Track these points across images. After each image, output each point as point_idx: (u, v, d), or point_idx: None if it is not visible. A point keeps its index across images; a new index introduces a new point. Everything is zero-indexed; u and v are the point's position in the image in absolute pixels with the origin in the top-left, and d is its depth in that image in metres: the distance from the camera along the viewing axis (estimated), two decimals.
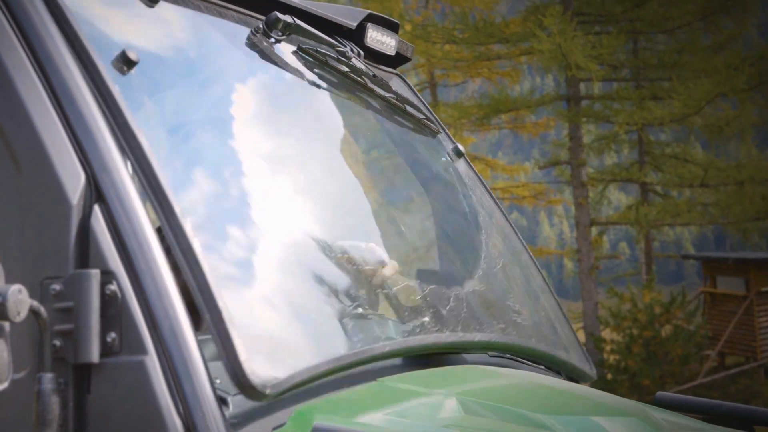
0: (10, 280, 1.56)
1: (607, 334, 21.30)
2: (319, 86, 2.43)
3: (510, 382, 2.26)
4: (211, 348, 1.93)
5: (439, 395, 1.94)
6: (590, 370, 2.73)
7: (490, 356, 2.50)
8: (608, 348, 20.38)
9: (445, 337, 2.22)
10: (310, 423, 1.65)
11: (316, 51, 2.40)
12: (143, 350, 1.59)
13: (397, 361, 2.16)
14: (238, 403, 1.66)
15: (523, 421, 1.88)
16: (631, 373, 19.48)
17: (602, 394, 2.29)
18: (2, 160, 1.69)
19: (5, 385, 1.48)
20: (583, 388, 2.36)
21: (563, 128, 23.30)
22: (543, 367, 2.64)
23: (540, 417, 1.89)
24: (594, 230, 22.00)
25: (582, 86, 21.66)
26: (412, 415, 1.83)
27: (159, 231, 1.68)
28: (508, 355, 2.56)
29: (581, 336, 19.91)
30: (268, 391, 1.61)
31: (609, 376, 19.51)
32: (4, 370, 1.48)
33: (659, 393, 2.36)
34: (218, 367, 1.66)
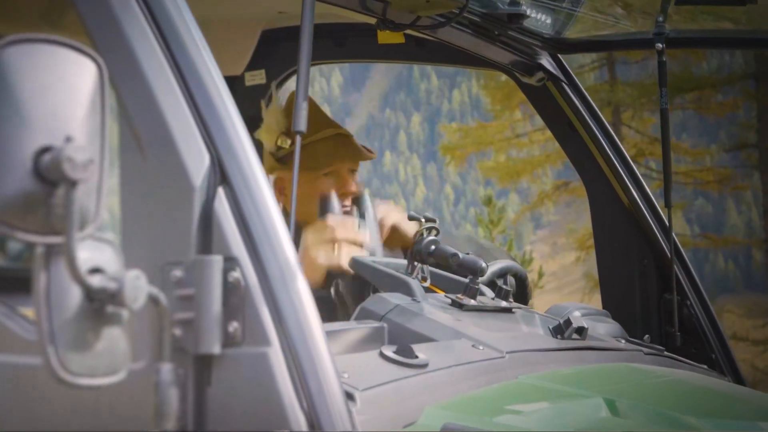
0: (130, 265, 1.57)
1: None
2: None
3: (665, 383, 2.19)
4: (338, 340, 1.93)
5: (585, 395, 1.89)
6: None
7: (645, 354, 2.45)
8: None
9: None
10: (441, 422, 1.63)
11: None
12: (266, 341, 1.58)
13: (539, 356, 2.12)
14: (366, 398, 1.64)
15: (677, 425, 1.81)
16: None
17: None
18: (125, 140, 1.70)
19: (123, 375, 1.48)
20: (749, 391, 2.27)
21: (752, 109, 22.62)
22: (705, 367, 2.58)
23: (697, 422, 1.83)
24: None
25: None
26: (552, 416, 1.79)
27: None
28: (665, 353, 2.51)
29: (767, 331, 19.34)
30: None
31: None
32: (122, 359, 1.48)
33: None
34: (345, 360, 1.65)
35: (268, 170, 3.27)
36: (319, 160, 3.15)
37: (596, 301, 3.81)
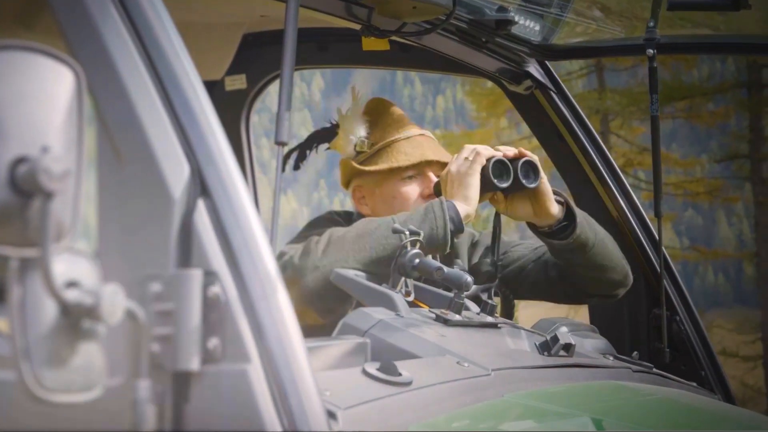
0: (107, 279, 1.57)
1: None
2: None
3: (653, 402, 2.20)
4: (320, 356, 1.93)
5: (572, 415, 1.90)
6: None
7: (634, 371, 2.46)
8: None
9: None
10: None
11: None
12: (246, 358, 1.58)
13: (525, 373, 2.13)
14: (348, 417, 1.64)
15: None
16: None
17: (762, 417, 2.21)
18: (103, 149, 1.70)
19: (99, 391, 1.48)
20: (738, 410, 2.29)
21: (743, 118, 22.67)
22: (695, 384, 2.58)
23: None
24: None
25: (765, 72, 21.06)
26: None
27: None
28: (654, 371, 2.52)
29: (758, 347, 19.38)
30: None
31: None
32: (98, 375, 1.48)
33: None
34: (327, 377, 1.65)
35: (347, 179, 3.29)
36: (402, 159, 3.15)
37: (582, 315, 3.82)
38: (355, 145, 3.20)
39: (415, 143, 3.16)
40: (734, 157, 21.96)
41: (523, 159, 2.92)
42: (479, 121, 22.14)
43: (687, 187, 22.58)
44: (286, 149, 3.13)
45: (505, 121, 21.28)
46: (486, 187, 2.89)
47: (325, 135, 3.37)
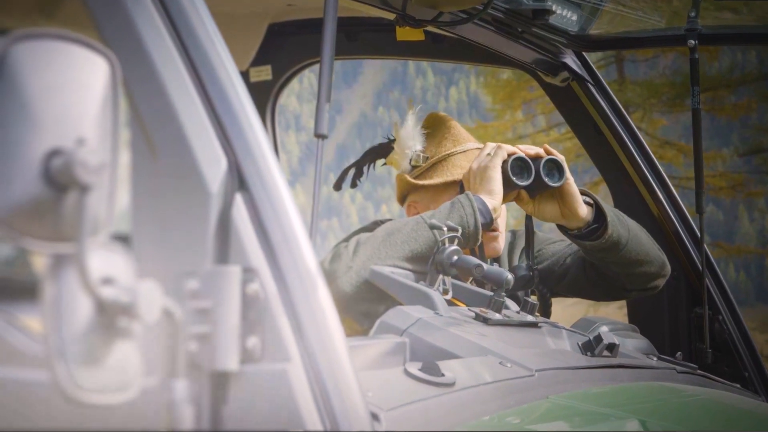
0: (143, 275, 1.55)
1: None
2: None
3: (700, 403, 2.18)
4: (358, 356, 1.91)
5: (620, 417, 1.88)
6: None
7: (678, 372, 2.44)
8: None
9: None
10: None
11: None
12: (287, 357, 1.56)
13: (569, 374, 2.11)
14: (392, 419, 1.62)
15: None
16: None
17: None
18: (137, 143, 1.68)
19: (134, 392, 1.47)
20: None
21: (767, 111, 22.66)
22: (738, 386, 2.57)
23: None
24: None
25: None
26: None
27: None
28: (698, 372, 2.50)
29: None
30: None
31: None
32: (133, 376, 1.46)
33: None
34: (368, 377, 1.63)
35: (402, 194, 3.28)
36: (458, 173, 3.13)
37: (602, 313, 3.80)
38: (411, 160, 3.19)
39: (472, 157, 3.12)
40: (757, 150, 21.96)
41: (547, 157, 2.90)
42: (494, 113, 22.12)
43: (708, 182, 22.54)
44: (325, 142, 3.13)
45: (521, 113, 21.28)
46: (506, 184, 2.87)
47: (381, 150, 3.36)
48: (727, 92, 21.66)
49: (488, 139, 3.04)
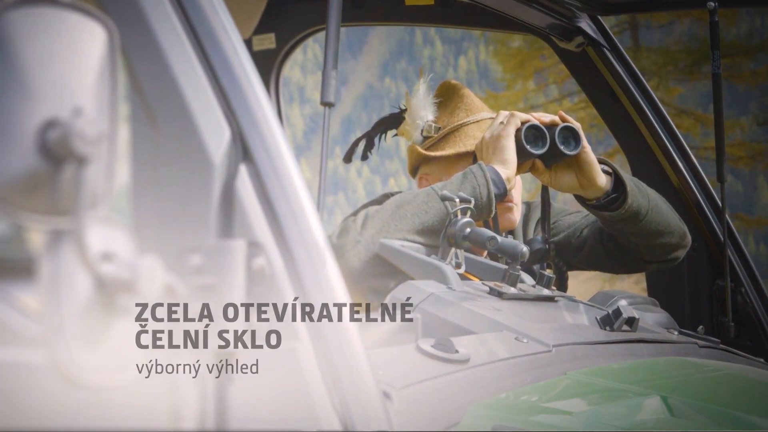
0: (143, 251, 1.53)
1: None
2: None
3: (724, 378, 2.18)
4: (368, 333, 1.90)
5: (641, 393, 1.87)
6: None
7: (700, 347, 2.43)
8: None
9: None
10: (488, 423, 1.60)
11: None
12: (295, 335, 1.55)
13: (588, 350, 2.10)
14: (404, 397, 1.61)
15: (742, 425, 1.80)
16: None
17: None
18: (137, 113, 1.67)
19: (134, 373, 1.46)
20: None
21: None
22: (762, 360, 2.56)
23: (764, 422, 1.81)
24: None
25: None
26: (608, 415, 1.77)
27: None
28: (720, 346, 2.49)
29: None
30: None
31: None
32: (135, 356, 1.46)
33: None
34: (379, 355, 1.62)
35: (413, 166, 3.27)
36: (470, 144, 3.11)
37: (618, 288, 3.80)
38: (422, 130, 3.17)
39: (485, 127, 3.10)
40: None
41: (563, 125, 2.87)
42: (505, 83, 22.09)
43: (727, 152, 22.19)
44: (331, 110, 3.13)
45: (532, 83, 21.26)
46: (521, 153, 2.84)
47: (392, 121, 3.34)
48: (746, 59, 21.62)
49: (499, 110, 3.00)
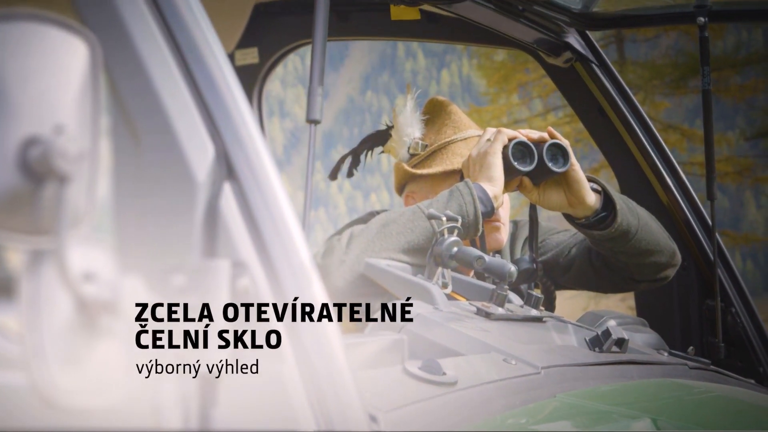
0: (126, 270, 1.53)
1: None
2: None
3: (714, 400, 2.18)
4: (359, 354, 1.90)
5: (631, 416, 1.88)
6: None
7: (691, 368, 2.43)
8: None
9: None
10: None
11: None
12: (280, 357, 1.54)
13: (577, 371, 2.10)
14: (391, 420, 1.61)
15: None
16: None
17: None
18: (119, 129, 1.66)
19: (116, 395, 1.45)
20: None
21: None
22: (753, 381, 2.57)
23: None
24: None
25: None
26: None
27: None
28: (711, 367, 2.50)
29: None
30: None
31: None
32: (116, 377, 1.45)
33: None
34: (365, 377, 1.62)
35: (400, 183, 3.26)
36: (457, 162, 3.10)
37: (602, 306, 3.81)
38: (409, 148, 3.16)
39: (472, 144, 3.08)
40: (764, 134, 22.03)
41: (551, 141, 2.87)
42: (489, 97, 22.13)
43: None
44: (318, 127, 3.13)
45: (516, 97, 21.30)
46: (508, 171, 2.85)
47: (378, 138, 3.34)
48: (733, 72, 21.71)
49: (482, 125, 3.00)
